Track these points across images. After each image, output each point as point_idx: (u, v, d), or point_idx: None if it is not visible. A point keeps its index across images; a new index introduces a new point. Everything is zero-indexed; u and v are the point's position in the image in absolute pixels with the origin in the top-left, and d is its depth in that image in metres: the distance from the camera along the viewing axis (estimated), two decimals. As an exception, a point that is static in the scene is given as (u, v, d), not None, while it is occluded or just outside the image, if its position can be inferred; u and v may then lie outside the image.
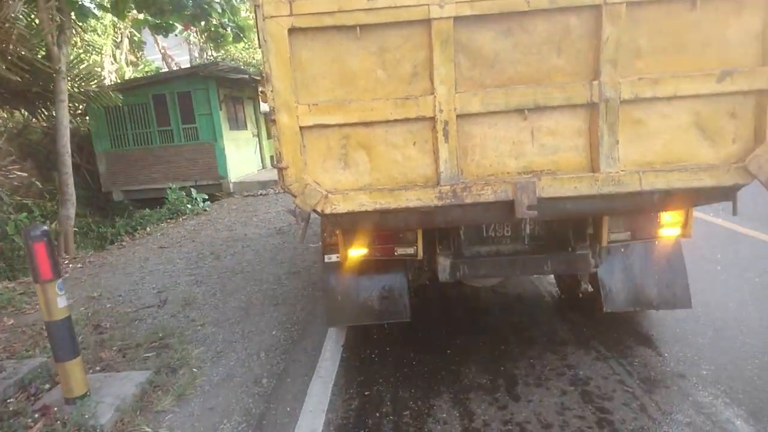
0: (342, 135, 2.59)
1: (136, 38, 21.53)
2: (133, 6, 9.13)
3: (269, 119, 2.60)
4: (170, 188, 10.98)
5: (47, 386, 3.31)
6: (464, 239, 3.25)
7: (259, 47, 2.54)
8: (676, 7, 2.43)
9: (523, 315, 4.18)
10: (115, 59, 20.20)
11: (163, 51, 23.58)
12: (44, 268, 2.92)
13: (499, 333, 3.84)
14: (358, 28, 2.44)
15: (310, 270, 5.75)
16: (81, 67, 8.67)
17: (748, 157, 2.52)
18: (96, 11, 8.89)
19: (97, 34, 16.47)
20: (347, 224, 2.81)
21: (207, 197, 11.32)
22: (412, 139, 2.60)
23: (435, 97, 2.51)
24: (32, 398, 3.17)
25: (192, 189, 11.13)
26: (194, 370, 3.57)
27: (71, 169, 7.97)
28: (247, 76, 12.60)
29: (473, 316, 4.25)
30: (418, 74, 2.53)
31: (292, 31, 2.42)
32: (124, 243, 8.56)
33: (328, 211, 2.61)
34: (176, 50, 25.17)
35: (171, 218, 10.42)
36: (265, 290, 5.19)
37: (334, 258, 3.39)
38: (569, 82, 2.52)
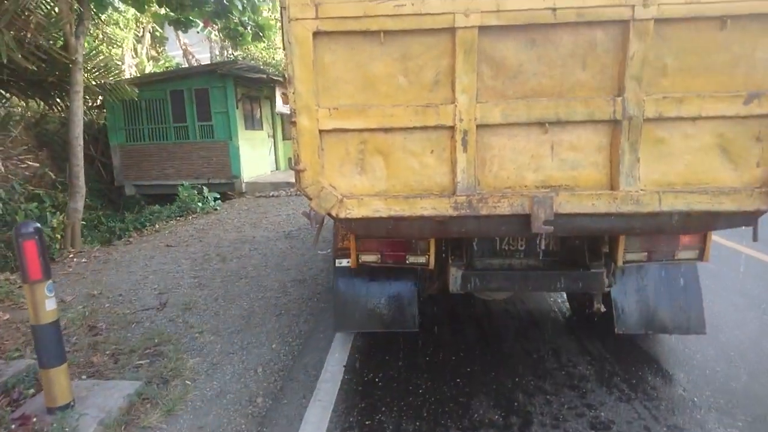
0: (360, 140, 2.56)
1: (158, 33, 21.67)
2: (153, 0, 9.05)
3: (289, 121, 2.58)
4: (182, 185, 10.87)
5: (32, 391, 3.14)
6: (477, 251, 3.21)
7: (283, 49, 2.51)
8: (704, 26, 2.38)
9: (538, 340, 3.92)
10: (136, 53, 20.32)
11: (184, 47, 23.71)
12: (33, 268, 2.75)
13: (512, 361, 3.61)
14: (382, 33, 2.41)
15: (317, 279, 5.55)
16: (98, 59, 8.58)
17: None
18: (116, 2, 8.79)
19: (119, 27, 16.54)
20: (361, 229, 2.77)
21: (218, 196, 11.20)
22: (430, 147, 2.57)
23: (456, 105, 2.48)
24: (14, 404, 2.99)
25: (204, 187, 11.02)
26: (187, 382, 3.37)
27: (82, 161, 7.88)
28: (265, 76, 12.47)
29: (485, 339, 4.02)
30: (440, 82, 2.49)
31: (316, 34, 2.41)
32: (131, 239, 8.43)
33: (342, 215, 2.58)
34: (197, 47, 25.30)
35: (181, 216, 10.30)
36: (269, 298, 4.99)
37: (345, 263, 3.35)
38: (592, 97, 2.48)
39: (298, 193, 12.38)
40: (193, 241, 7.87)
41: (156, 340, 3.99)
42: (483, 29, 2.40)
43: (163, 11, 11.02)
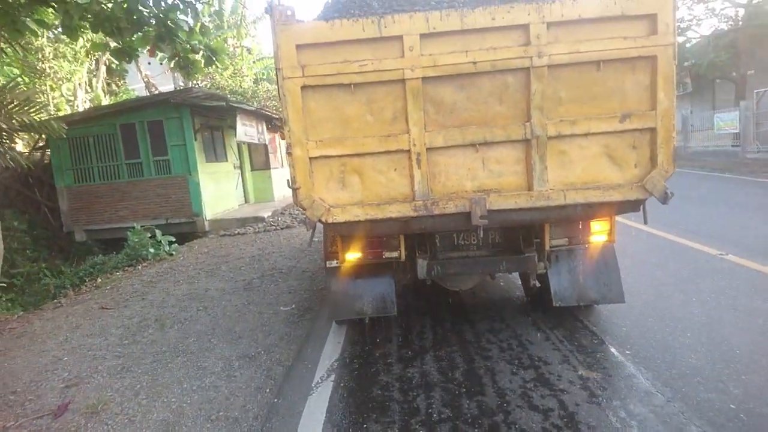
0: (341, 163, 3.31)
1: (114, 65, 20.52)
2: (86, 25, 7.93)
3: (287, 152, 3.28)
4: (132, 229, 9.60)
5: None
6: (439, 246, 4.00)
7: (279, 99, 3.53)
8: (585, 68, 3.16)
9: (496, 315, 3.49)
10: (91, 87, 19.11)
11: (146, 80, 22.54)
12: None
13: (475, 327, 4.37)
14: (352, 85, 3.19)
15: (273, 352, 4.35)
16: (16, 92, 7.37)
17: (646, 178, 3.25)
18: (37, 27, 7.63)
19: (67, 59, 15.36)
20: (345, 231, 3.50)
21: (174, 239, 9.93)
22: (393, 166, 3.32)
23: (410, 135, 3.24)
24: None
25: (156, 230, 9.75)
26: None
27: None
28: (224, 104, 11.37)
29: (455, 314, 4.95)
30: (397, 118, 3.25)
31: (304, 87, 3.17)
32: (62, 301, 7.12)
33: (330, 220, 3.33)
34: (160, 79, 24.19)
35: (130, 265, 9.01)
36: (206, 388, 3.78)
37: (334, 263, 4.06)
38: (509, 124, 3.25)
39: (266, 229, 11.24)
40: (134, 299, 6.61)
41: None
42: (425, 79, 3.17)
43: (100, 39, 9.92)
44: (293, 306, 5.54)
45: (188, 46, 9.31)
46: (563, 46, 3.11)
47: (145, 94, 22.54)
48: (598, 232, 3.81)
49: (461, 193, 3.33)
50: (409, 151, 3.26)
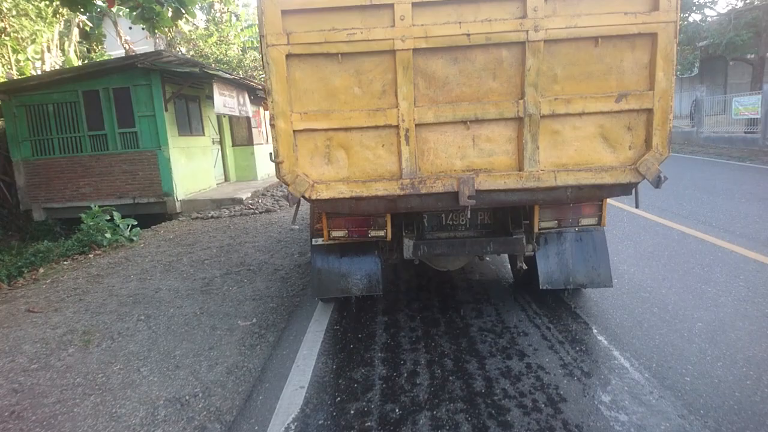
0: (326, 137, 3.22)
1: (88, 29, 19.01)
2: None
3: (270, 124, 3.19)
4: (86, 212, 8.43)
5: None
6: (427, 226, 3.93)
7: (263, 68, 3.16)
8: (583, 44, 3.06)
9: (482, 295, 4.25)
10: (63, 51, 17.64)
11: (126, 46, 21.03)
12: None
13: (462, 308, 4.25)
14: (339, 55, 3.08)
15: (212, 395, 3.27)
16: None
17: (640, 161, 3.18)
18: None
19: (30, 18, 13.90)
20: (329, 208, 3.48)
21: (135, 223, 8.76)
22: (381, 142, 3.25)
23: (398, 109, 3.16)
24: None
25: (114, 212, 8.58)
26: None
27: None
28: (197, 70, 10.08)
29: (445, 293, 4.79)
30: (386, 92, 3.17)
31: (288, 56, 3.05)
32: (-13, 297, 6.00)
33: (314, 197, 3.26)
34: (142, 45, 22.64)
35: (82, 252, 7.88)
36: (111, 456, 2.72)
37: (320, 241, 3.99)
38: (501, 101, 3.16)
39: (243, 212, 10.10)
40: (71, 300, 5.50)
41: None
42: (416, 51, 3.07)
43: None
44: (254, 320, 4.45)
45: (148, -4, 8.04)
46: (561, 20, 3.01)
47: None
48: (588, 215, 3.74)
49: (450, 171, 3.26)
50: (397, 126, 3.17)
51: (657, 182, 3.18)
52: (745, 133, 16.70)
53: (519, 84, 3.11)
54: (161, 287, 5.71)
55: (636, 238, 6.37)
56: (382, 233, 3.75)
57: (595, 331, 3.83)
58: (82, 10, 8.02)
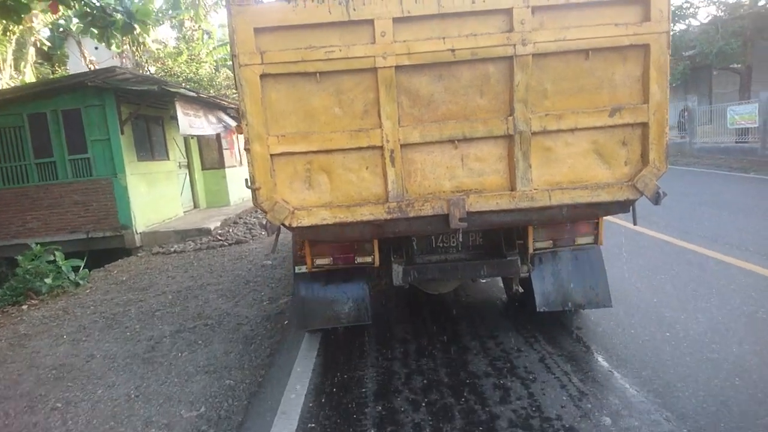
0: (306, 161, 3.05)
1: (46, 48, 17.86)
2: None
3: (245, 148, 3.00)
4: (26, 252, 7.26)
5: None
6: (417, 249, 3.74)
7: (236, 89, 2.98)
8: (573, 57, 2.95)
9: (477, 319, 3.96)
10: (18, 70, 16.44)
11: (91, 66, 19.85)
12: None
13: (455, 327, 3.71)
14: (318, 74, 2.92)
15: None
16: None
17: (636, 176, 3.06)
18: None
19: (-25, 36, 12.73)
20: (312, 236, 3.28)
21: (81, 264, 7.60)
22: (365, 164, 3.08)
23: (382, 130, 3.00)
24: None
25: (57, 252, 7.41)
26: None
27: None
28: (156, 88, 9.04)
29: (439, 317, 4.22)
30: (369, 111, 3.01)
31: (263, 76, 2.89)
32: None
33: (294, 224, 3.08)
34: (109, 65, 21.50)
35: (15, 302, 6.70)
36: None
37: (303, 269, 3.72)
38: (490, 118, 3.02)
39: (210, 244, 8.99)
40: (-23, 375, 4.35)
41: None
42: (399, 68, 2.92)
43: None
44: (202, 410, 3.37)
45: (100, 6, 7.06)
46: (549, 33, 2.90)
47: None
48: (584, 234, 3.63)
49: (439, 193, 3.14)
50: (381, 147, 3.04)
51: (656, 199, 3.06)
52: (736, 142, 16.21)
53: (507, 100, 2.99)
54: (96, 353, 4.60)
55: (669, 270, 5.40)
56: (369, 259, 3.58)
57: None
58: (15, 18, 6.93)
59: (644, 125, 3.00)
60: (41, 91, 9.50)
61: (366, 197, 3.09)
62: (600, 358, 3.54)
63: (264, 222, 3.16)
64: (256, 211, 12.90)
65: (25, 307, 6.47)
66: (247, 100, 2.90)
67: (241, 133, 3.10)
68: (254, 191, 3.02)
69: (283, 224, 3.08)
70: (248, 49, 2.84)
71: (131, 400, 3.61)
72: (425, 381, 3.41)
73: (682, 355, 3.47)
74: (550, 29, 2.89)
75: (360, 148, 3.03)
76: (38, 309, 6.34)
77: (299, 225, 3.07)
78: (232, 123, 12.10)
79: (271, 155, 2.98)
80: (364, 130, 3.00)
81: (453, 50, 2.89)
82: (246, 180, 3.09)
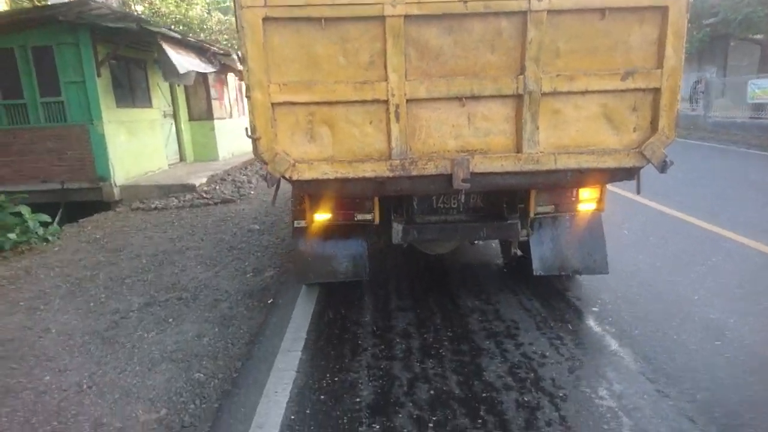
0: (308, 112, 2.95)
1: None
2: None
3: (245, 95, 2.92)
4: (-15, 204, 6.57)
5: None
6: (417, 209, 3.65)
7: (237, 32, 2.88)
8: (588, 16, 2.83)
9: (472, 281, 4.39)
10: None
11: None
12: None
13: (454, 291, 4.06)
14: (323, 20, 2.78)
15: None
16: None
17: (645, 144, 2.99)
18: None
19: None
20: (312, 190, 3.23)
21: (49, 219, 6.93)
22: (368, 119, 2.98)
23: (388, 83, 2.90)
24: None
25: (23, 206, 6.71)
26: None
27: None
28: (134, 26, 8.13)
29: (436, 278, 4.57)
30: (374, 62, 2.89)
31: (265, 19, 2.76)
32: None
33: (295, 177, 3.01)
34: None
35: (-26, 259, 6.06)
36: None
37: (302, 224, 3.69)
38: (500, 76, 2.92)
39: (194, 202, 8.31)
40: None
41: None
42: (408, 18, 2.79)
43: None
44: (163, 411, 2.82)
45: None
46: None
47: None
48: (587, 200, 3.55)
49: (443, 152, 3.05)
50: (386, 101, 2.93)
51: (663, 167, 3.03)
52: (750, 118, 15.49)
53: (519, 58, 2.90)
54: (52, 326, 4.02)
55: (721, 267, 4.79)
56: (369, 217, 3.54)
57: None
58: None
59: (656, 91, 2.92)
60: (6, 23, 8.51)
61: (368, 153, 3.03)
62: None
63: (264, 173, 3.09)
64: (246, 168, 12.17)
65: (-17, 264, 5.84)
66: (248, 44, 2.78)
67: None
68: (254, 141, 2.95)
69: (284, 176, 3.02)
70: None
71: (82, 392, 3.06)
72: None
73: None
74: None
75: (364, 102, 2.94)
76: (-2, 268, 5.73)
77: (300, 178, 3.01)
78: (212, 75, 11.20)
79: (273, 104, 2.90)
80: (369, 82, 2.91)
81: (465, 1, 2.77)
82: (246, 129, 2.99)
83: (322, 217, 3.54)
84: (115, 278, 5.09)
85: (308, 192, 3.31)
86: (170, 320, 4.01)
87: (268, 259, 5.41)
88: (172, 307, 4.26)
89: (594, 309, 3.83)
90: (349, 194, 3.27)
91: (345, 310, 3.97)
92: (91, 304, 4.46)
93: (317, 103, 2.92)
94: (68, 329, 3.96)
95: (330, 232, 3.74)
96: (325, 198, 3.40)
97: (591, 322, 3.63)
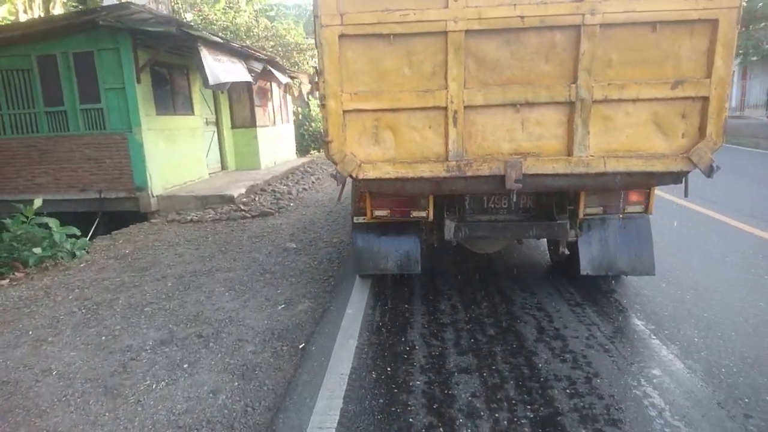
0: (374, 118, 3.24)
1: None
2: None
3: (320, 104, 3.36)
4: (11, 217, 6.25)
5: None
6: (468, 208, 3.83)
7: (316, 48, 3.21)
8: (640, 29, 2.98)
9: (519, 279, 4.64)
10: (47, 11, 15.50)
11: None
12: None
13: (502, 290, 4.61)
14: (392, 36, 3.08)
15: None
16: None
17: (692, 149, 3.09)
18: None
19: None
20: (374, 188, 3.49)
21: (78, 233, 6.55)
22: (428, 124, 3.23)
23: (448, 91, 3.13)
24: None
25: (52, 219, 6.36)
26: None
27: None
28: (173, 30, 7.75)
29: (483, 277, 4.71)
30: (436, 73, 3.14)
31: (341, 36, 3.08)
32: None
33: (360, 176, 3.30)
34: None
35: (0, 273, 5.73)
36: None
37: (362, 219, 4.00)
38: (553, 84, 3.10)
39: (231, 215, 7.87)
40: None
41: None
42: (468, 32, 3.03)
43: None
44: None
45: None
46: (618, 4, 2.92)
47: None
48: (635, 203, 3.65)
49: (497, 155, 3.22)
50: (446, 108, 3.15)
51: (709, 171, 3.08)
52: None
53: (572, 68, 3.05)
54: (54, 366, 3.50)
55: None
56: (424, 214, 3.75)
57: None
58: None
59: (705, 99, 3.01)
60: (49, 29, 8.33)
61: (427, 155, 3.26)
62: None
63: (333, 172, 3.36)
64: (287, 177, 11.69)
65: (5, 282, 5.47)
66: (325, 58, 3.09)
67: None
68: (327, 144, 3.24)
69: (350, 175, 3.30)
70: (329, 10, 3.02)
71: (65, 469, 2.45)
72: None
73: None
74: (619, 0, 2.90)
75: (425, 108, 3.18)
76: (20, 286, 5.33)
77: (365, 177, 3.29)
78: (254, 82, 10.76)
79: (344, 111, 3.18)
80: (430, 90, 3.15)
81: (522, 17, 2.96)
82: (319, 133, 3.10)
83: (380, 213, 3.81)
84: (135, 305, 4.56)
85: (370, 190, 3.55)
86: (185, 365, 3.39)
87: (303, 287, 4.75)
88: (190, 347, 3.65)
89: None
90: (407, 193, 3.48)
91: (391, 366, 3.23)
92: (103, 337, 3.92)
93: (383, 110, 3.20)
94: (71, 371, 3.41)
95: (386, 228, 4.05)
96: (384, 196, 3.65)
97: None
